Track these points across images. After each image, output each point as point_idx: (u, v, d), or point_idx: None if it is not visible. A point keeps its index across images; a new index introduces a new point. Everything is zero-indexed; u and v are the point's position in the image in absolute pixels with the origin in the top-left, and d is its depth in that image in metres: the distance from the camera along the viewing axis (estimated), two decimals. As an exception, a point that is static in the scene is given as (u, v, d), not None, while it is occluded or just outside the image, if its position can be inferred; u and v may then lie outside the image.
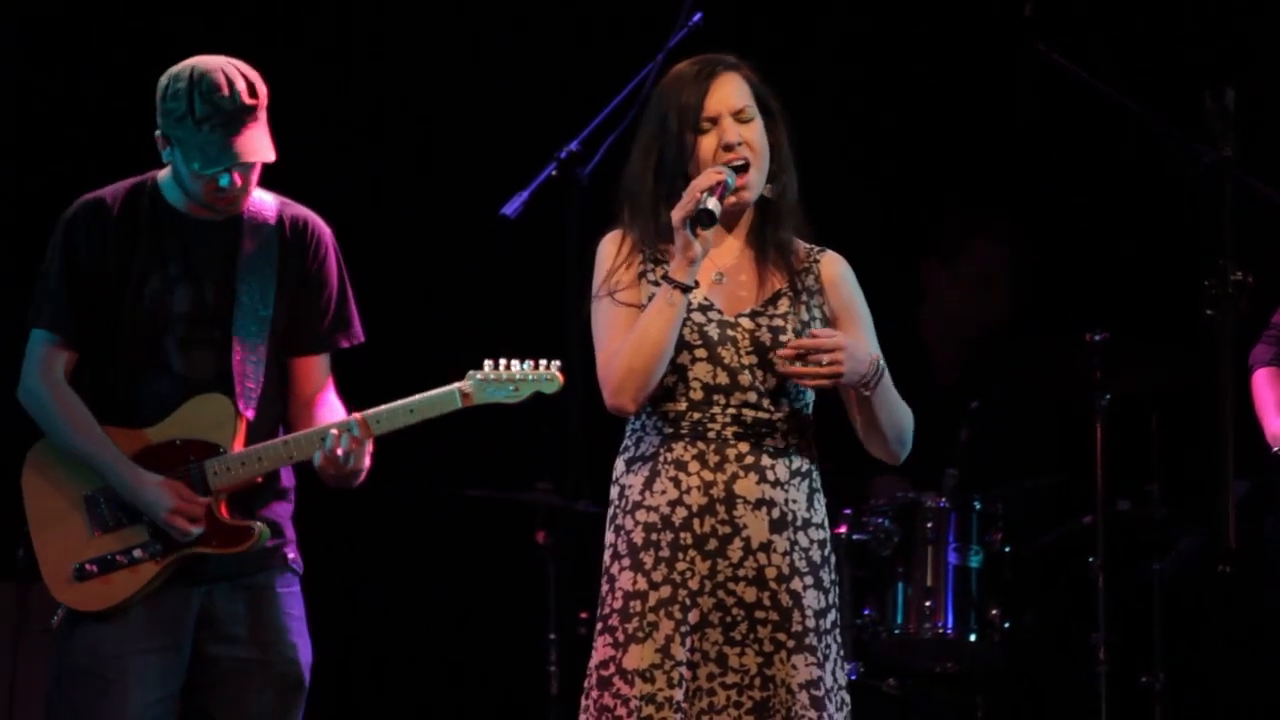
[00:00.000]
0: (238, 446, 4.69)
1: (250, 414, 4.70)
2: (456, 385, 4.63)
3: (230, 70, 4.63)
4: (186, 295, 4.71)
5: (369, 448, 4.65)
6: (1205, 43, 6.99)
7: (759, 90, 4.26)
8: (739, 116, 4.22)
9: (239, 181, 4.64)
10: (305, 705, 4.79)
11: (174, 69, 4.66)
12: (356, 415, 4.65)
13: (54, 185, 5.53)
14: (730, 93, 4.23)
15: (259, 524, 4.70)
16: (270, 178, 4.77)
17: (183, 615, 4.69)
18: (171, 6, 6.97)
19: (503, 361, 4.60)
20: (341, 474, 4.65)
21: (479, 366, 4.62)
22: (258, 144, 4.62)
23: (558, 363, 4.60)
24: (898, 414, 4.22)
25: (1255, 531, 5.80)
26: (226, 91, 4.59)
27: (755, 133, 4.22)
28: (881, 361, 4.16)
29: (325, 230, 4.83)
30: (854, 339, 4.17)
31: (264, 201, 4.78)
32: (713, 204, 4.09)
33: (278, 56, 5.23)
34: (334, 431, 4.63)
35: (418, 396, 4.64)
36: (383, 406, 4.64)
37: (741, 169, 4.19)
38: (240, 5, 6.92)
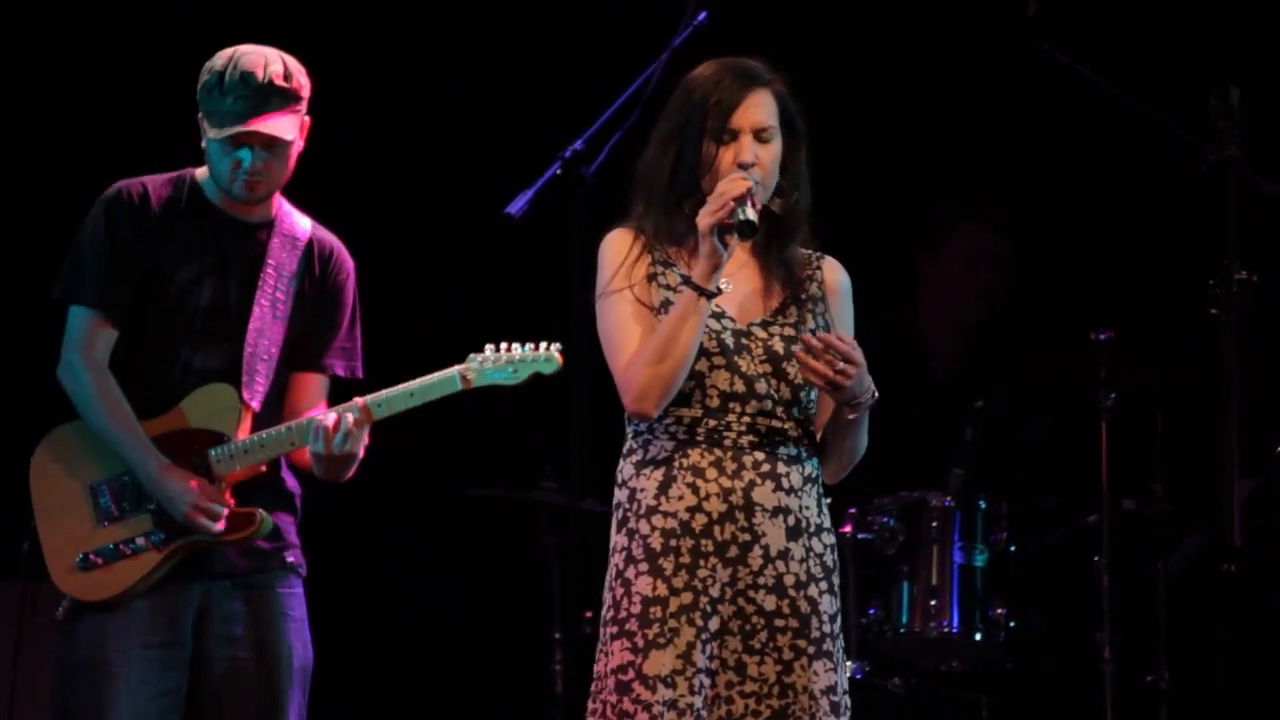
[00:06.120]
0: (242, 436, 4.71)
1: (256, 405, 4.72)
2: (457, 368, 4.64)
3: (271, 55, 4.70)
4: (212, 289, 4.74)
5: (365, 437, 4.67)
6: (1211, 41, 6.98)
7: (786, 107, 4.23)
8: (760, 136, 4.18)
9: (259, 165, 4.67)
10: (309, 705, 4.79)
11: (220, 52, 4.73)
12: (358, 400, 4.67)
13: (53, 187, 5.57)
14: (757, 109, 4.19)
15: (262, 511, 4.71)
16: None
17: (184, 610, 4.70)
18: (167, 12, 6.98)
19: (503, 344, 4.61)
20: (333, 457, 4.65)
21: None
22: (275, 125, 4.66)
23: (557, 345, 4.60)
24: (858, 446, 4.24)
25: (1261, 529, 5.79)
26: (260, 72, 4.65)
27: (770, 154, 4.19)
28: (875, 396, 4.16)
29: (349, 261, 4.89)
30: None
31: (299, 220, 4.84)
32: (752, 214, 4.07)
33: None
34: (334, 414, 4.65)
35: (418, 380, 4.65)
36: (383, 391, 4.66)
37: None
38: (241, 5, 6.92)
